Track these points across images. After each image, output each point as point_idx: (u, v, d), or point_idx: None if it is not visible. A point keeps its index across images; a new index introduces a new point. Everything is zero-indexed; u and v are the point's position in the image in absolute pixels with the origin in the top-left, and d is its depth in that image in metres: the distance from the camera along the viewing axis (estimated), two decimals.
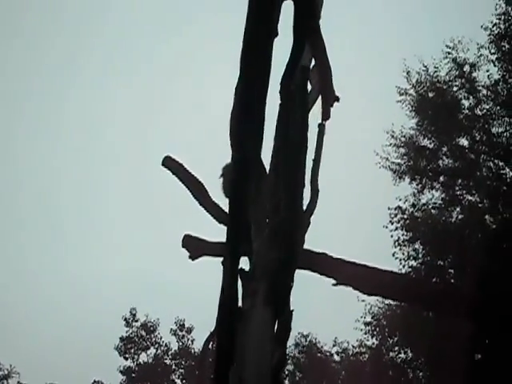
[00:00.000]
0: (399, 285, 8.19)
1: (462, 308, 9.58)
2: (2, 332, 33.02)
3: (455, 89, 25.47)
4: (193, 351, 32.07)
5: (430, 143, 25.60)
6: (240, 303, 5.26)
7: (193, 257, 8.38)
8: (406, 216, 24.74)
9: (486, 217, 24.27)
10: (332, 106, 7.05)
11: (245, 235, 6.65)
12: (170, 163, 7.96)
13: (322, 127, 7.13)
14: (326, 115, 7.07)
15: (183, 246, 8.33)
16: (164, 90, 54.84)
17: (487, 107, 25.23)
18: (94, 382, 32.37)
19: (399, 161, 25.58)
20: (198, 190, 7.83)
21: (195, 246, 8.28)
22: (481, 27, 23.31)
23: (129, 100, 52.82)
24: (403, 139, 25.70)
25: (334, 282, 7.51)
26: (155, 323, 32.60)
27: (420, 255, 24.11)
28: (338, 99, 7.10)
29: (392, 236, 24.35)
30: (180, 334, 32.57)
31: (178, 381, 32.43)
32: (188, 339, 32.58)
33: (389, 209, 24.67)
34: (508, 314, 12.80)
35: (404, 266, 23.95)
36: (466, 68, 25.11)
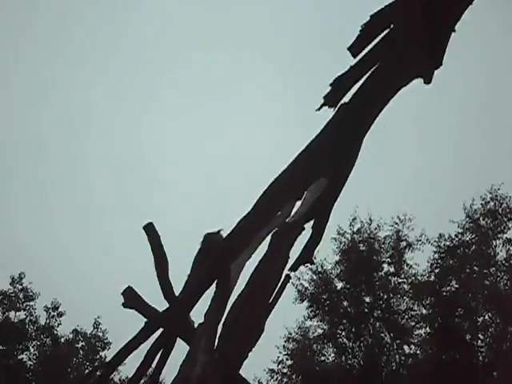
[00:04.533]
0: None
1: None
2: None
3: (383, 253, 27.69)
4: (55, 332, 34.01)
5: (342, 285, 27.71)
6: None
7: (125, 305, 9.65)
8: (293, 347, 27.14)
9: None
10: (303, 265, 7.99)
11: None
12: (150, 230, 9.26)
13: (287, 278, 7.87)
14: (294, 268, 7.81)
15: (122, 294, 9.58)
16: None
17: (403, 281, 27.57)
18: None
19: (307, 285, 27.51)
20: (161, 264, 9.15)
21: (131, 299, 9.55)
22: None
23: None
24: (320, 269, 27.63)
25: None
26: (36, 295, 33.95)
27: None
28: (312, 262, 8.05)
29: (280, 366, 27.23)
30: (52, 313, 34.09)
31: (32, 349, 33.67)
32: (56, 320, 34.22)
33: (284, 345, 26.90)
34: None
35: None
36: (402, 244, 27.41)
